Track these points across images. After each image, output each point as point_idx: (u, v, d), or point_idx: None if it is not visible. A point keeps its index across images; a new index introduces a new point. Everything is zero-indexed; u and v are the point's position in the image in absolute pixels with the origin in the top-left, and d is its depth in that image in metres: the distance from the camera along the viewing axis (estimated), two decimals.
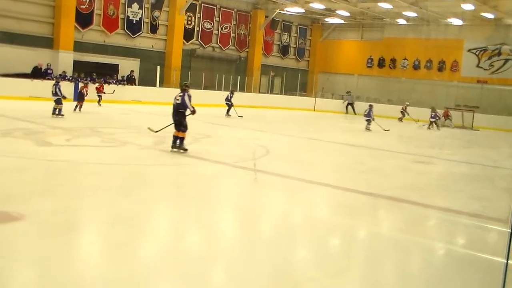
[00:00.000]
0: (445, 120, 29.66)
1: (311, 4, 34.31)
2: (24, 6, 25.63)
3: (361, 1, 32.28)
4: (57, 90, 17.80)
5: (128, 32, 30.07)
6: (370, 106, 23.88)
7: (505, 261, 3.05)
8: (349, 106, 35.42)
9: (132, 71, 29.02)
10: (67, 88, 24.44)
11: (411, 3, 30.57)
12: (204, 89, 32.10)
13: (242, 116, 22.71)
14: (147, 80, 29.35)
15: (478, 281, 5.50)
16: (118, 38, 29.74)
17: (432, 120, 26.90)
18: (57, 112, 17.54)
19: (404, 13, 34.13)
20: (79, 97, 20.97)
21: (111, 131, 15.12)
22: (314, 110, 35.60)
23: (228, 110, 24.73)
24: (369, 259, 5.86)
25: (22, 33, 25.52)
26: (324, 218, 7.56)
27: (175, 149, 11.92)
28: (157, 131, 13.60)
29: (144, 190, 8.28)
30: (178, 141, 11.94)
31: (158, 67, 29.85)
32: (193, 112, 11.86)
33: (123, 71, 29.10)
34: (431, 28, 36.01)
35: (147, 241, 5.83)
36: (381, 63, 39.67)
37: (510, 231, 2.91)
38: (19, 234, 5.58)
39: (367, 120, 23.38)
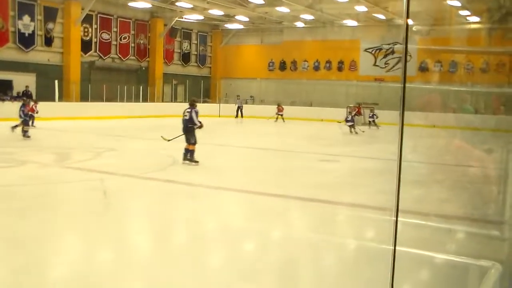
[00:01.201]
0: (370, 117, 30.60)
1: (210, 11, 34.35)
2: None
3: (259, 6, 32.66)
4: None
5: (21, 46, 28.77)
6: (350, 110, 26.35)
7: (393, 247, 3.12)
8: (239, 110, 35.28)
9: (27, 87, 27.79)
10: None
11: (307, 6, 31.28)
12: (106, 101, 31.32)
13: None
14: (45, 95, 28.18)
15: (386, 271, 5.62)
16: (10, 53, 28.36)
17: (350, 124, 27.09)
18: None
19: (302, 16, 34.93)
20: None
21: (8, 150, 14.39)
22: (219, 116, 35.61)
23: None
24: (282, 261, 5.86)
25: None
26: (235, 223, 7.52)
27: (186, 162, 12.34)
28: (169, 140, 13.99)
29: (45, 210, 7.90)
30: (189, 154, 12.38)
31: (56, 81, 28.80)
32: (200, 126, 12.58)
33: (18, 87, 27.83)
34: (328, 30, 37.09)
35: (54, 263, 5.54)
36: (282, 66, 40.35)
37: (395, 219, 2.98)
38: None
39: (350, 125, 24.60)
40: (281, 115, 32.61)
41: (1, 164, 12.11)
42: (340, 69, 38.05)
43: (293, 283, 5.21)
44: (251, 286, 5.04)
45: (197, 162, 12.39)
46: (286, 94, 38.46)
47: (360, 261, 5.95)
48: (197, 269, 5.39)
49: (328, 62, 38.39)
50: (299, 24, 37.82)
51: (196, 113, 12.59)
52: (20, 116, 17.53)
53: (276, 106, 33.27)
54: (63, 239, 6.55)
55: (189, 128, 12.50)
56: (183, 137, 12.60)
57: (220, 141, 14.29)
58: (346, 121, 25.71)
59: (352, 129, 24.87)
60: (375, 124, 28.73)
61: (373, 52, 36.56)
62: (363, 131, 25.17)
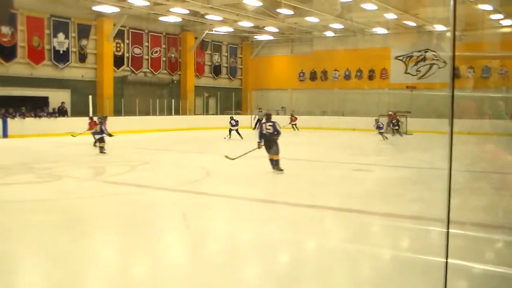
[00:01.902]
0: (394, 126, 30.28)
1: (239, 23, 34.56)
2: None
3: (288, 16, 32.75)
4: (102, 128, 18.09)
5: (56, 63, 29.40)
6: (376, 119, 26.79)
7: (445, 260, 3.08)
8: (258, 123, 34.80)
9: (63, 103, 28.35)
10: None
11: (337, 16, 31.23)
12: (138, 115, 31.71)
13: None
14: (79, 110, 28.68)
15: (425, 283, 5.56)
16: (46, 70, 29.03)
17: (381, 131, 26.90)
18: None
19: (331, 25, 34.89)
20: None
21: (46, 166, 14.67)
22: (252, 128, 35.69)
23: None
24: (318, 271, 5.84)
25: None
26: (270, 234, 7.51)
27: (276, 170, 13.04)
28: (233, 159, 14.28)
29: (81, 224, 8.02)
30: (275, 163, 13.13)
31: (90, 96, 29.26)
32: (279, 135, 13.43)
33: (54, 103, 28.40)
34: (358, 38, 36.96)
35: (91, 276, 5.62)
36: (312, 76, 40.31)
37: (447, 230, 2.93)
38: None
39: (380, 133, 25.68)
40: (295, 124, 32.65)
41: (39, 179, 12.34)
42: (371, 77, 37.83)
43: None
44: None
45: (282, 170, 13.08)
46: (317, 104, 38.42)
47: (396, 271, 5.89)
48: (233, 281, 5.40)
49: (359, 71, 38.21)
50: (329, 33, 37.79)
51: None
52: (98, 133, 18.05)
53: (290, 116, 33.29)
54: (99, 252, 6.64)
55: (273, 139, 13.24)
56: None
57: (252, 153, 14.31)
58: (378, 128, 25.88)
59: (384, 136, 25.48)
60: (399, 132, 28.49)
61: (404, 60, 36.28)
62: (386, 138, 25.57)
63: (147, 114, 32.89)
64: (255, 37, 40.94)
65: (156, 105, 33.68)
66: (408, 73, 36.06)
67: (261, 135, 13.41)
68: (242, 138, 25.39)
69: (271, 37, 40.35)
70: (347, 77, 38.83)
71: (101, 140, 17.90)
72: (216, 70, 41.09)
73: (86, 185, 11.91)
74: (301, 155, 18.62)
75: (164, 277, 5.56)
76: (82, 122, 24.39)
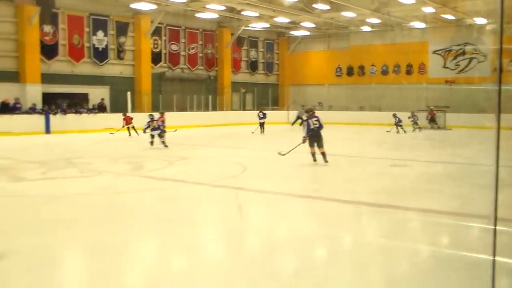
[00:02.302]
0: (430, 121, 30.25)
1: (275, 19, 34.56)
2: None
3: (324, 11, 32.59)
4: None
5: (95, 60, 29.93)
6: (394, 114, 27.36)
7: (492, 258, 3.06)
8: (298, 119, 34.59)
9: (102, 99, 28.86)
10: (38, 120, 24.37)
11: (374, 10, 30.96)
12: (176, 111, 32.02)
13: None
14: (118, 106, 29.14)
15: (467, 280, 5.52)
16: (86, 67, 29.57)
17: (399, 124, 27.32)
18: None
19: (368, 20, 34.60)
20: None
21: (87, 161, 14.98)
22: (290, 124, 35.69)
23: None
24: (356, 268, 5.85)
25: None
26: (306, 230, 7.54)
27: (326, 162, 13.62)
28: (284, 154, 14.65)
29: (124, 218, 8.18)
30: (325, 155, 13.66)
31: (129, 93, 29.71)
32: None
33: (94, 100, 28.94)
34: (396, 33, 36.56)
35: (130, 270, 5.75)
36: (349, 71, 40.04)
37: (494, 227, 2.92)
38: (1, 273, 5.47)
39: (398, 125, 26.96)
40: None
41: (80, 174, 12.63)
42: (408, 72, 37.38)
43: None
44: None
45: (327, 161, 13.69)
46: (354, 99, 38.18)
47: (434, 268, 5.85)
48: (269, 276, 5.46)
49: (397, 65, 37.80)
50: (366, 28, 37.47)
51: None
52: (156, 129, 18.59)
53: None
54: (138, 246, 6.77)
55: (320, 133, 13.82)
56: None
57: (289, 148, 14.38)
58: (398, 121, 27.12)
59: (399, 129, 26.82)
60: (418, 126, 28.54)
61: (442, 54, 35.76)
62: (405, 132, 26.79)
63: (184, 110, 33.19)
64: (291, 32, 40.87)
65: (194, 101, 33.95)
66: (447, 67, 35.54)
67: (309, 130, 13.76)
68: (263, 132, 26.81)
69: (308, 33, 40.22)
70: (384, 72, 38.47)
71: (161, 135, 18.43)
72: (253, 66, 41.18)
73: (125, 180, 12.13)
74: (338, 150, 18.56)
75: (201, 272, 5.64)
76: (121, 118, 24.87)
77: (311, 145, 13.86)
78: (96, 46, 29.93)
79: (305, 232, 7.39)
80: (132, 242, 6.87)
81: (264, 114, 27.37)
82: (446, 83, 34.77)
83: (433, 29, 35.30)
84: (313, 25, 37.33)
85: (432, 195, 10.11)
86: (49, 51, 27.59)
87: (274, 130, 27.73)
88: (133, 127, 24.09)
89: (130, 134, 23.82)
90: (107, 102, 29.45)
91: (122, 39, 31.25)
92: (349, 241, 7.08)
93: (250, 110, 38.91)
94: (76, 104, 27.65)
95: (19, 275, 5.44)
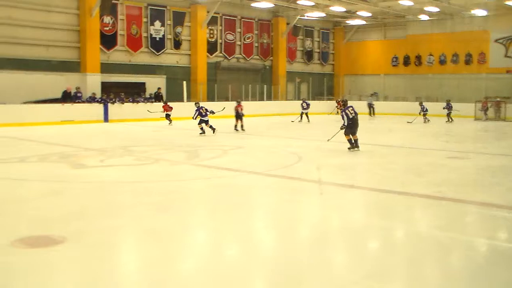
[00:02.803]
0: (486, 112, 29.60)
1: (331, 8, 34.26)
2: (52, 33, 26.20)
3: (381, 0, 32.11)
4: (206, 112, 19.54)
5: (153, 50, 30.45)
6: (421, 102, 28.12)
7: None
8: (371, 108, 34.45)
9: (159, 88, 29.34)
10: (97, 109, 25.02)
11: None
12: (231, 100, 32.22)
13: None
14: (174, 95, 29.59)
15: None
16: (143, 57, 30.14)
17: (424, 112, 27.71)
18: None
19: (426, 8, 33.88)
20: None
21: (143, 149, 15.29)
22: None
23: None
24: (410, 259, 5.80)
25: (51, 59, 26.06)
26: (361, 221, 7.52)
27: (357, 148, 14.64)
28: (329, 140, 16.16)
29: (180, 205, 8.34)
30: (357, 142, 14.74)
31: (185, 82, 30.10)
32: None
33: (150, 89, 29.48)
34: (455, 21, 35.71)
35: (186, 256, 5.87)
36: (406, 61, 39.37)
37: None
38: (64, 256, 5.68)
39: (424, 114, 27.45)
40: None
41: (137, 162, 12.91)
42: (467, 62, 36.41)
43: (422, 282, 5.14)
44: (379, 285, 5.03)
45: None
46: (411, 89, 37.56)
47: (494, 262, 5.74)
48: (322, 266, 5.47)
49: (455, 55, 36.90)
50: (424, 17, 36.69)
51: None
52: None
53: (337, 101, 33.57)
54: (194, 233, 6.91)
55: (357, 122, 14.84)
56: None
57: (344, 139, 14.33)
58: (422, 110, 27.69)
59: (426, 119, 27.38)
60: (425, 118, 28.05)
61: (504, 43, 34.65)
62: (428, 120, 27.66)
63: (240, 99, 33.32)
64: (347, 21, 40.44)
65: (249, 90, 34.11)
66: (509, 56, 34.43)
67: (349, 119, 14.51)
68: (309, 121, 27.34)
69: (364, 22, 39.73)
70: (442, 61, 37.62)
71: (207, 122, 19.25)
72: (308, 56, 41.00)
73: (180, 168, 12.32)
74: (394, 141, 18.37)
75: (253, 260, 5.71)
76: (177, 107, 25.26)
77: (348, 133, 14.65)
78: (153, 36, 30.44)
79: (358, 224, 7.37)
80: (188, 229, 7.01)
81: (308, 104, 27.75)
82: (508, 73, 33.73)
83: (495, 16, 34.19)
84: (369, 14, 36.84)
85: (490, 188, 9.88)
86: (108, 41, 28.24)
87: (329, 121, 27.56)
88: (168, 115, 24.72)
89: (170, 122, 24.66)
90: (163, 91, 29.91)
91: (178, 29, 31.66)
92: (404, 232, 7.01)
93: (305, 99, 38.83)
94: (133, 93, 28.22)
95: (81, 257, 5.64)
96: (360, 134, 14.90)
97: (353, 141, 14.65)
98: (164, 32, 30.94)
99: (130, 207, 8.02)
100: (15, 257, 5.59)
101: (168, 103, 25.44)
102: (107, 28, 28.20)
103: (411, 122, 26.89)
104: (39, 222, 7.07)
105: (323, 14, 36.85)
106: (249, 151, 15.42)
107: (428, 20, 37.16)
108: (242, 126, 21.10)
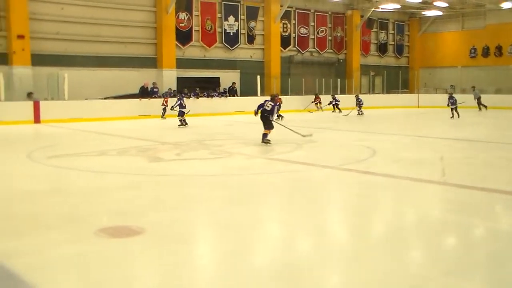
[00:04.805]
0: None
1: None
2: (130, 30, 27.05)
3: None
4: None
5: (227, 45, 30.84)
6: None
7: None
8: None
9: (233, 83, 29.66)
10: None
11: None
12: (304, 94, 32.20)
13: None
14: (247, 90, 29.86)
15: None
16: (217, 52, 30.58)
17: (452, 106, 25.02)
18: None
19: None
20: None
21: (218, 143, 15.52)
22: (418, 107, 34.72)
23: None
24: (489, 257, 5.64)
25: (129, 55, 26.89)
26: (438, 217, 7.36)
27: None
28: (305, 136, 15.65)
29: (254, 199, 8.43)
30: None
31: (258, 76, 30.29)
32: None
33: (224, 83, 29.86)
34: None
35: (257, 249, 5.93)
36: (485, 52, 38.04)
37: None
38: (143, 247, 5.87)
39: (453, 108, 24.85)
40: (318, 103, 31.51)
41: (212, 156, 13.12)
42: None
43: (503, 281, 4.99)
44: (457, 282, 4.93)
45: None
46: (490, 81, 36.20)
47: None
48: (397, 262, 5.41)
49: None
50: (506, 5, 35.17)
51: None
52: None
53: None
54: (268, 227, 6.97)
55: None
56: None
57: (419, 133, 14.06)
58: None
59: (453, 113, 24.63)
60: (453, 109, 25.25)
61: None
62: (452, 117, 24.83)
63: (313, 93, 33.27)
64: (423, 13, 39.48)
65: (322, 84, 33.94)
66: None
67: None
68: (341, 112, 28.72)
69: (440, 13, 38.66)
70: None
71: (279, 116, 20.12)
72: (382, 48, 40.36)
73: (255, 162, 12.44)
74: (473, 135, 17.83)
75: (325, 254, 5.69)
76: (251, 102, 25.44)
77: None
78: (228, 31, 30.82)
79: (434, 219, 7.22)
80: (262, 222, 7.09)
81: (338, 101, 29.33)
82: None
83: None
84: (446, 5, 35.82)
85: None
86: (183, 37, 28.83)
87: (405, 114, 27.06)
88: (164, 109, 24.60)
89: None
90: (237, 86, 30.22)
91: (252, 24, 31.90)
92: (484, 229, 6.81)
93: (379, 93, 38.27)
94: (207, 88, 28.66)
95: (159, 248, 5.82)
96: (438, 128, 14.49)
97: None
98: (238, 27, 31.26)
99: (206, 200, 8.17)
100: (99, 246, 5.82)
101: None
102: (183, 24, 28.79)
103: (347, 115, 26.92)
104: (119, 213, 7.33)
105: (398, 6, 36.16)
106: (322, 145, 15.37)
107: (510, 8, 35.68)
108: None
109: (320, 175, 10.60)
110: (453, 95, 25.69)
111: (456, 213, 7.49)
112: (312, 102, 31.07)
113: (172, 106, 21.22)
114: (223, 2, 30.46)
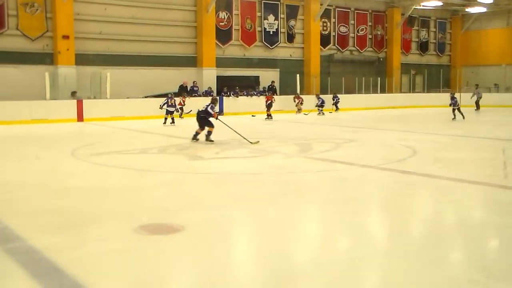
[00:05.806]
0: None
1: None
2: (170, 29, 27.37)
3: None
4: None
5: (266, 44, 30.88)
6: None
7: None
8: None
9: (273, 82, 29.69)
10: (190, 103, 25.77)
11: None
12: (344, 93, 32.02)
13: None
14: (287, 89, 29.86)
15: None
16: (257, 51, 30.64)
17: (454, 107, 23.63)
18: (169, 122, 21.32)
19: None
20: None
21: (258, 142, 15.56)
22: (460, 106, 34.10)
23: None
24: None
25: (169, 55, 27.20)
26: (480, 218, 7.26)
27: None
28: (254, 143, 14.78)
29: (292, 197, 8.45)
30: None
31: (298, 75, 30.26)
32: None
33: (264, 82, 29.92)
34: None
35: (294, 247, 5.94)
36: None
37: None
38: (183, 244, 5.96)
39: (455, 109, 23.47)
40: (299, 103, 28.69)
41: (252, 154, 13.18)
42: None
43: None
44: (499, 285, 4.85)
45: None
46: None
47: None
48: (437, 264, 5.36)
49: None
50: None
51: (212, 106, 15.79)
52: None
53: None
54: (306, 225, 6.98)
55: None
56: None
57: (460, 132, 13.84)
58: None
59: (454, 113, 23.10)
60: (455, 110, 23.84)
61: None
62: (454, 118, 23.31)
63: (353, 92, 33.08)
64: (466, 10, 38.75)
65: (362, 83, 33.69)
66: None
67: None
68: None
69: (484, 9, 37.84)
70: None
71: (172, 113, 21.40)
72: (423, 47, 39.79)
73: (293, 161, 12.46)
74: (506, 134, 17.46)
75: (365, 255, 5.67)
76: (290, 101, 25.49)
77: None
78: (267, 30, 30.87)
79: (477, 220, 7.13)
80: (300, 221, 7.10)
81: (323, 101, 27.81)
82: None
83: None
84: (491, 1, 35.05)
85: None
86: (223, 36, 29.00)
87: (445, 114, 26.63)
88: (177, 110, 23.31)
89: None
90: (277, 85, 30.25)
91: (292, 22, 31.88)
92: None
93: (419, 92, 37.76)
94: (247, 86, 28.76)
95: (198, 246, 5.90)
96: (475, 127, 14.21)
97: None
98: (278, 26, 31.28)
99: (245, 198, 8.24)
100: (139, 243, 5.94)
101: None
102: (222, 23, 28.97)
103: (307, 115, 26.36)
104: (159, 210, 7.45)
105: (440, 3, 35.59)
106: (361, 144, 15.28)
107: None
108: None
109: (359, 174, 10.54)
110: (455, 96, 24.25)
111: (500, 214, 7.35)
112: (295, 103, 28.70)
113: (161, 105, 21.48)
114: (262, 1, 30.53)
